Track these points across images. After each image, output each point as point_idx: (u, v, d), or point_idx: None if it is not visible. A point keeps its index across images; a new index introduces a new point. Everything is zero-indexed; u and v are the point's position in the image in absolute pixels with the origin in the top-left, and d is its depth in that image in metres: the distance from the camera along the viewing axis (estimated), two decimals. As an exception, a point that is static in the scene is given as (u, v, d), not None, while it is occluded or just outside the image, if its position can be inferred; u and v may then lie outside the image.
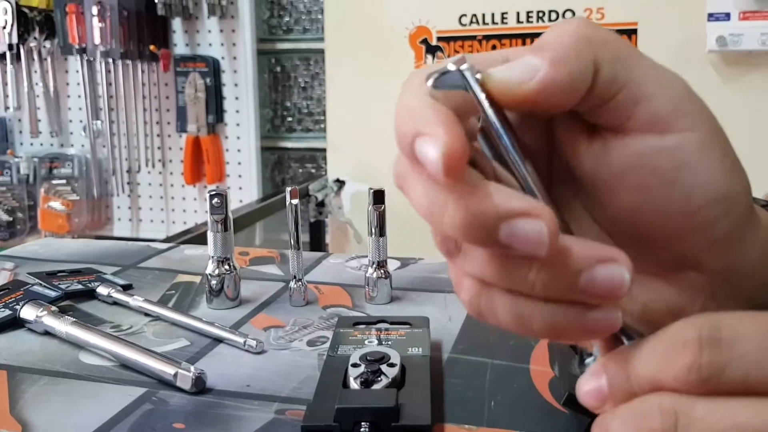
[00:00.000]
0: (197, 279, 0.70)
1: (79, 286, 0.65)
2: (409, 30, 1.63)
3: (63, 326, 0.54)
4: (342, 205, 1.77)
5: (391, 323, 0.54)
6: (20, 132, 2.09)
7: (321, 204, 1.74)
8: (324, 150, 1.82)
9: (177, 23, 1.90)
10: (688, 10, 1.42)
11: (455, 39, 1.59)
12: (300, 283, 0.63)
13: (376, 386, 0.42)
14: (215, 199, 0.61)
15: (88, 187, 1.99)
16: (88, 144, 1.97)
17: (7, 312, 0.58)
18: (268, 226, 1.73)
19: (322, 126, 1.91)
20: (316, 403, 0.42)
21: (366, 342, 0.50)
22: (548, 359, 0.48)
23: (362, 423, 0.39)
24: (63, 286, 0.64)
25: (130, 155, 1.92)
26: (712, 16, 1.39)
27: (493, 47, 1.56)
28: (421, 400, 0.42)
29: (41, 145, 2.07)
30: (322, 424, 0.40)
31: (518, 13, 1.53)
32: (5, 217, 1.97)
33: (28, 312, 0.57)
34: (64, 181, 1.97)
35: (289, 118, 1.98)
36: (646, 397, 0.25)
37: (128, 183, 1.99)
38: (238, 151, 1.93)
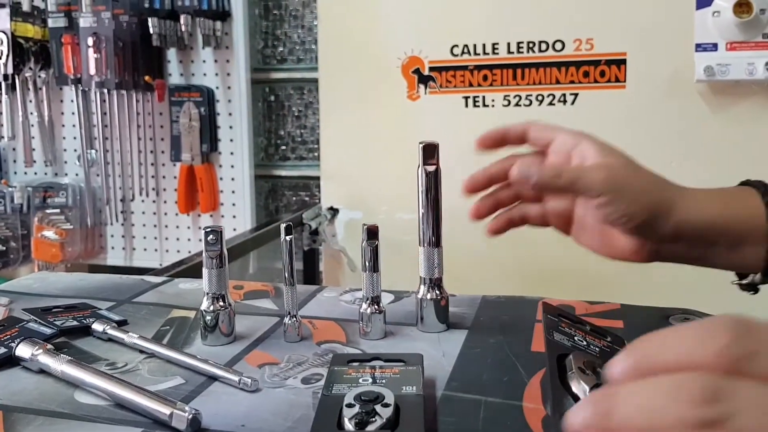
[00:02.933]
0: (192, 314, 0.70)
1: (75, 323, 0.65)
2: (402, 60, 1.64)
3: (58, 365, 0.54)
4: (335, 233, 1.77)
5: (386, 360, 0.54)
6: (14, 161, 2.09)
7: (315, 232, 1.75)
8: (317, 178, 1.83)
9: (172, 54, 1.91)
10: (676, 40, 1.44)
11: (447, 69, 1.61)
12: (294, 319, 0.63)
13: (370, 427, 0.43)
14: (210, 236, 0.62)
15: (82, 216, 1.98)
16: (82, 173, 1.97)
17: (3, 350, 0.58)
18: (262, 254, 1.73)
19: (316, 154, 1.92)
20: (311, 443, 0.42)
21: (360, 380, 0.50)
22: (541, 397, 0.49)
23: (357, 464, 0.39)
24: (58, 323, 0.65)
25: (124, 184, 1.93)
26: (699, 47, 1.41)
27: (485, 77, 1.58)
28: (415, 440, 0.42)
29: (35, 174, 2.07)
30: (317, 466, 0.40)
31: (509, 44, 1.55)
32: (-2, 247, 1.97)
33: (23, 350, 0.57)
34: (57, 211, 1.97)
35: (283, 147, 1.99)
36: (675, 373, 0.28)
37: (122, 212, 1.99)
38: (232, 179, 1.93)
